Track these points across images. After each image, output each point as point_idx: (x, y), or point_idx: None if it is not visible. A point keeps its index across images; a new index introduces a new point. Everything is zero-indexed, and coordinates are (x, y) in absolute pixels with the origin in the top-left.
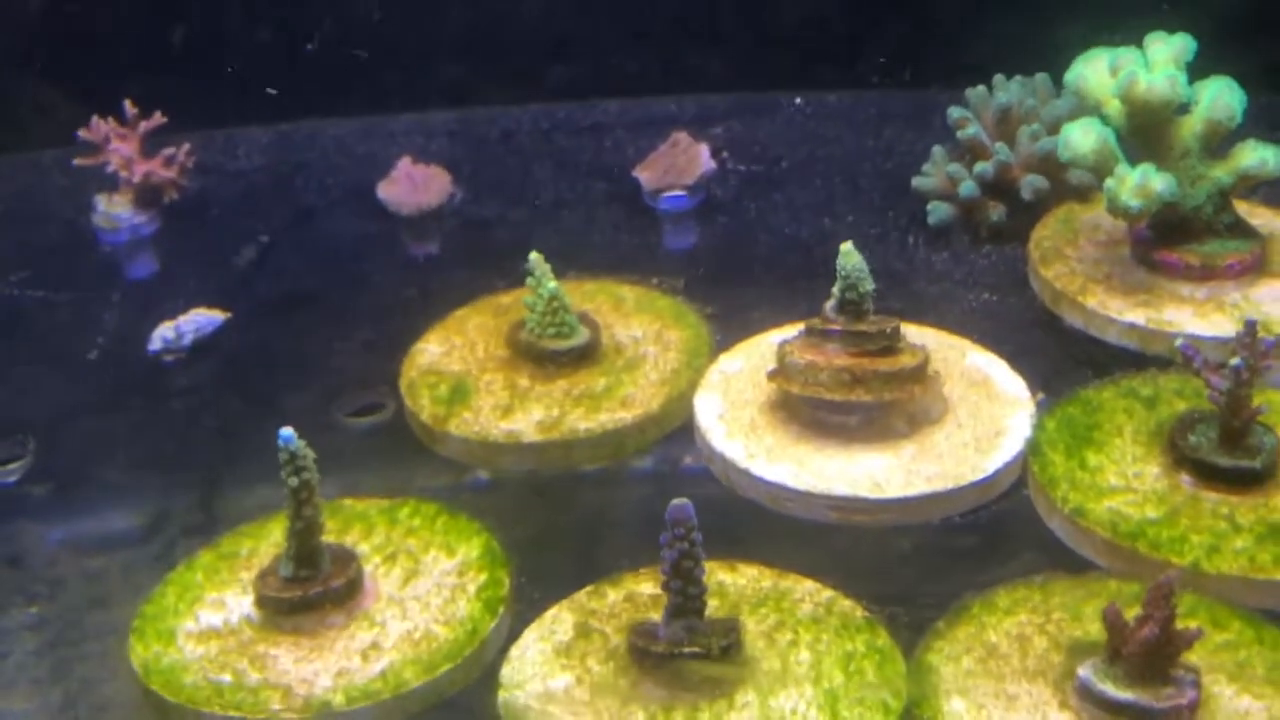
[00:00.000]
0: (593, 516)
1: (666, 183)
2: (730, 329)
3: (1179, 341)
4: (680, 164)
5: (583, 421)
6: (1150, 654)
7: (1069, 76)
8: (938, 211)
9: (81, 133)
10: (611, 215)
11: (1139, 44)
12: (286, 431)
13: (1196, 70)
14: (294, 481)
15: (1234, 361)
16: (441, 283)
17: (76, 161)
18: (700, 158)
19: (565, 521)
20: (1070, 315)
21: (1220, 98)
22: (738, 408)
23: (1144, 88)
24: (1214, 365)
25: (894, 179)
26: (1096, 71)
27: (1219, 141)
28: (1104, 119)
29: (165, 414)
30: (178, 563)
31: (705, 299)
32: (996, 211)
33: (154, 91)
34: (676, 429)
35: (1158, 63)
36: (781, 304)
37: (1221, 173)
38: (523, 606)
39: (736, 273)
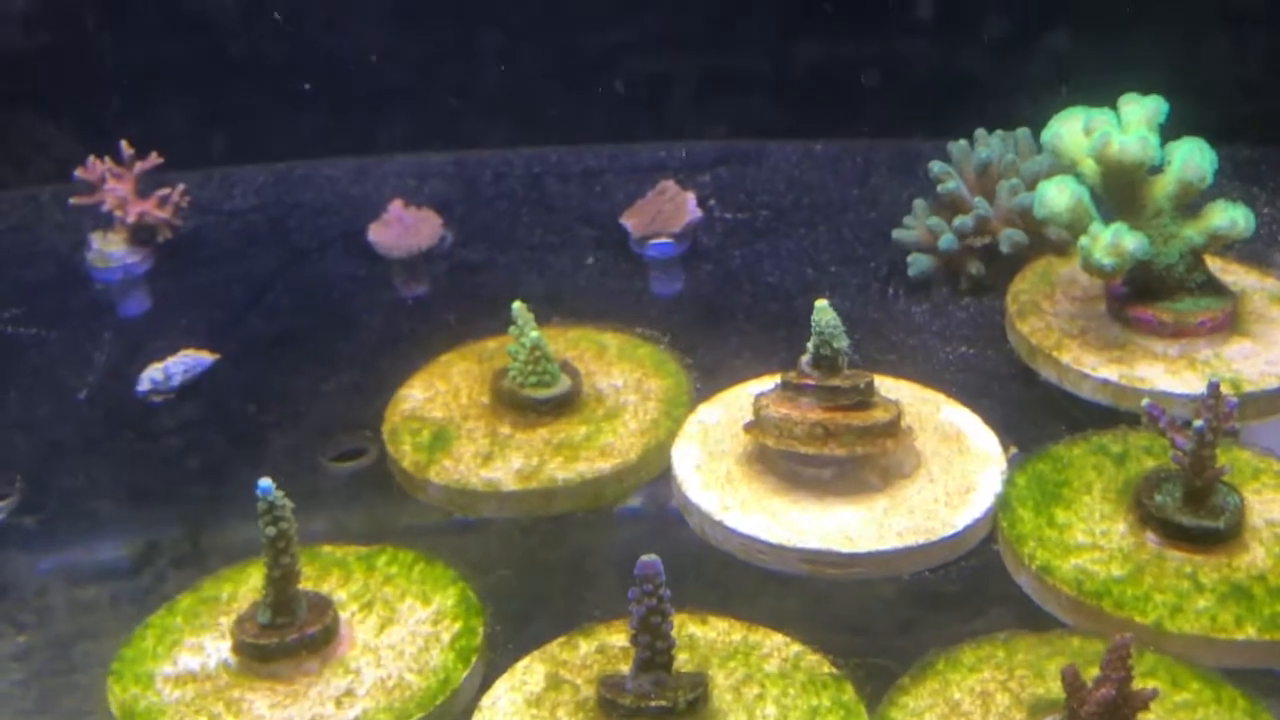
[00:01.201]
0: (570, 563)
1: (653, 230)
2: (711, 377)
3: (1145, 401)
4: (667, 212)
5: (561, 471)
6: (1107, 714)
7: (1045, 135)
8: (918, 264)
9: (78, 172)
10: (599, 261)
11: (1113, 104)
12: (265, 482)
13: (1173, 124)
14: (272, 531)
15: (1197, 423)
16: (429, 325)
17: (72, 201)
18: (687, 206)
19: (542, 568)
20: (1045, 370)
21: (1191, 159)
22: (715, 459)
23: (1117, 149)
24: (1179, 425)
25: (877, 229)
26: (1072, 131)
27: (1191, 201)
28: (1079, 178)
29: (153, 453)
30: (164, 598)
31: (687, 347)
32: (975, 265)
33: (151, 130)
34: (655, 479)
35: (1131, 124)
36: (763, 352)
37: (1193, 232)
38: (496, 655)
39: (719, 321)
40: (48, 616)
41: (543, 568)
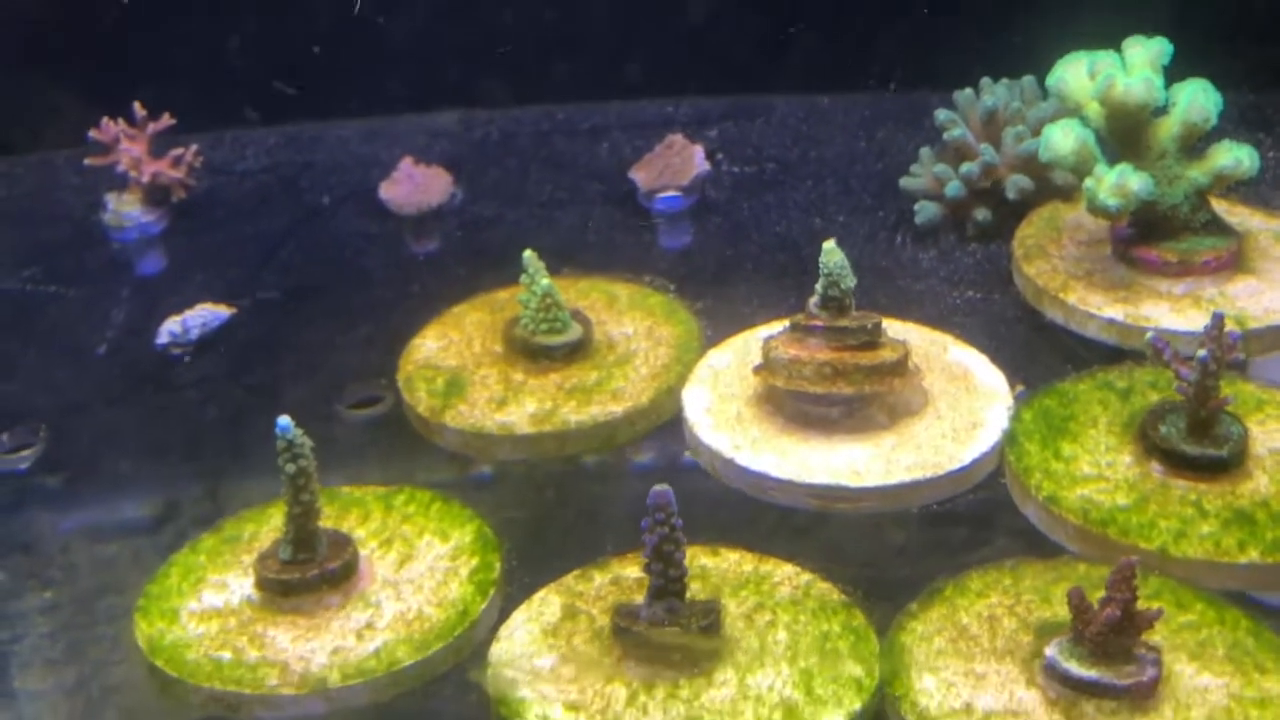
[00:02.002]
0: (584, 503)
1: (661, 184)
2: (721, 325)
3: (1149, 334)
4: (675, 165)
5: (575, 414)
6: (1113, 634)
7: (1050, 79)
8: (925, 211)
9: (92, 133)
10: (607, 215)
11: (1117, 46)
12: (284, 420)
13: (1177, 71)
14: (291, 468)
15: (1200, 353)
16: (440, 280)
17: (87, 161)
18: (695, 159)
19: (556, 511)
20: (1051, 311)
21: (1196, 100)
22: (725, 401)
23: (1121, 90)
24: (1183, 357)
25: (884, 179)
26: (1076, 74)
27: (1195, 142)
28: (1084, 121)
29: (172, 406)
30: (182, 549)
31: (697, 296)
32: (982, 211)
33: (163, 94)
34: (666, 422)
35: (1135, 66)
36: (771, 300)
37: (1198, 172)
38: (513, 589)
39: (728, 271)
40: (72, 572)
41: (557, 507)
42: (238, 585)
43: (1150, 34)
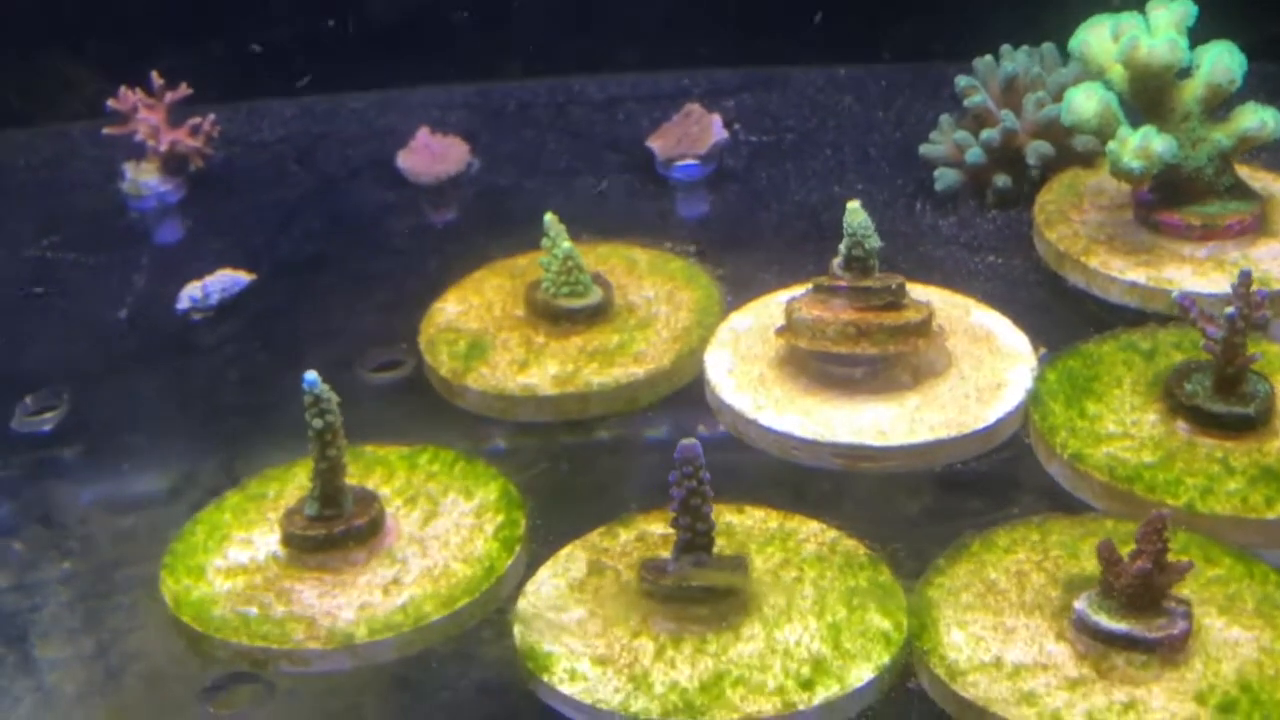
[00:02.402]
0: (607, 467)
1: (679, 152)
2: (740, 290)
3: (1175, 294)
4: (693, 134)
5: (597, 376)
6: (1143, 587)
7: (1073, 43)
8: (945, 178)
9: (110, 102)
10: (625, 184)
11: (1141, 10)
12: (311, 375)
13: (1199, 40)
14: (318, 423)
15: (1228, 310)
16: (459, 247)
17: (105, 131)
18: (713, 128)
19: (580, 470)
20: (1073, 275)
21: (1220, 61)
22: (747, 362)
23: (1145, 52)
24: (1209, 316)
25: (903, 148)
26: (1099, 37)
27: (1219, 105)
28: (1107, 84)
29: (193, 370)
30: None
31: (716, 262)
32: (1002, 178)
33: (180, 66)
34: (687, 384)
35: (1159, 27)
36: (790, 266)
37: (1222, 135)
38: (538, 545)
39: (747, 238)
40: (91, 542)
41: (580, 470)
42: (263, 542)
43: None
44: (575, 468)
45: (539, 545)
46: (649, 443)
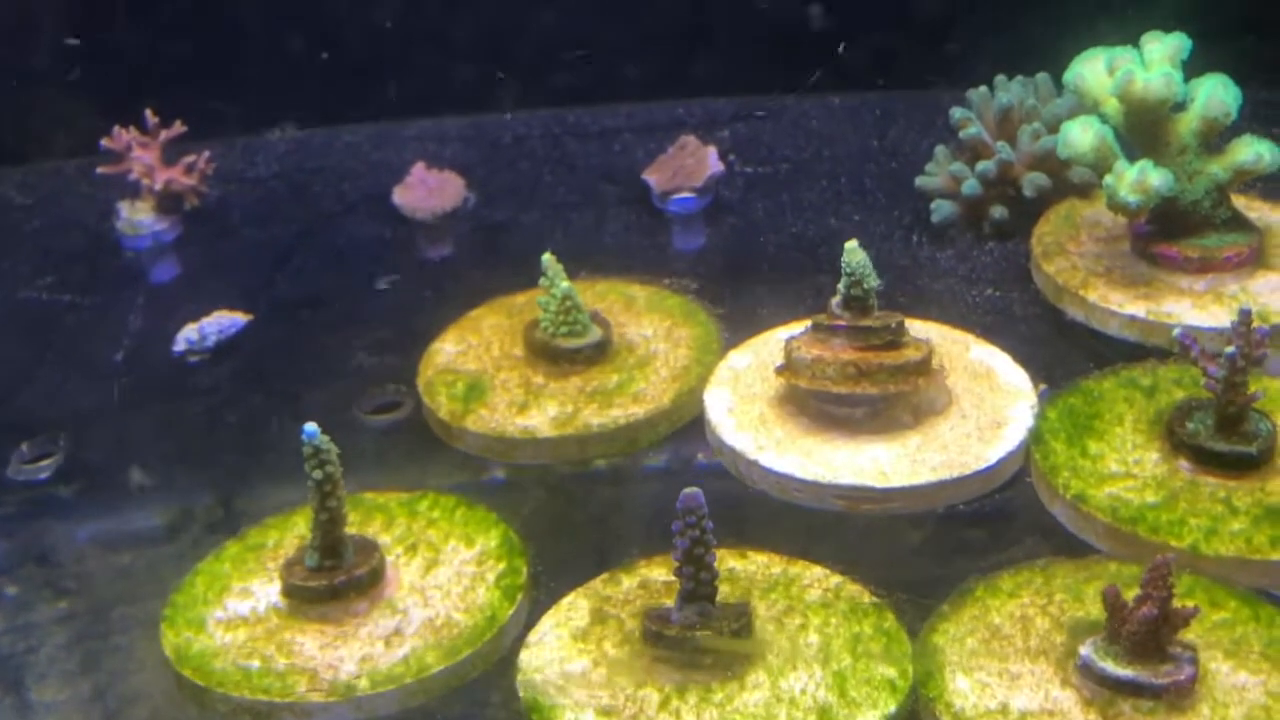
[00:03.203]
0: (607, 510)
1: (675, 185)
2: (739, 326)
3: (1176, 331)
4: (689, 166)
5: (596, 417)
6: (1149, 632)
7: (1068, 76)
8: (941, 210)
9: (104, 141)
10: (622, 217)
11: (1135, 42)
12: (310, 427)
13: (1196, 68)
14: (318, 474)
15: (1229, 349)
16: (457, 285)
17: (99, 170)
18: (708, 160)
19: (580, 515)
20: (1072, 309)
21: (1215, 94)
22: (747, 402)
23: (1140, 86)
24: (1210, 354)
25: (898, 179)
26: (1094, 71)
27: (1215, 137)
28: (1102, 117)
29: (189, 413)
30: (204, 556)
31: (715, 298)
32: (999, 209)
33: (173, 102)
34: (687, 423)
35: (1154, 61)
36: (788, 301)
37: (1218, 168)
38: (540, 593)
39: (745, 272)
40: (87, 582)
41: (581, 511)
42: (264, 593)
43: (1167, 29)
44: (576, 511)
45: (541, 593)
46: (650, 482)
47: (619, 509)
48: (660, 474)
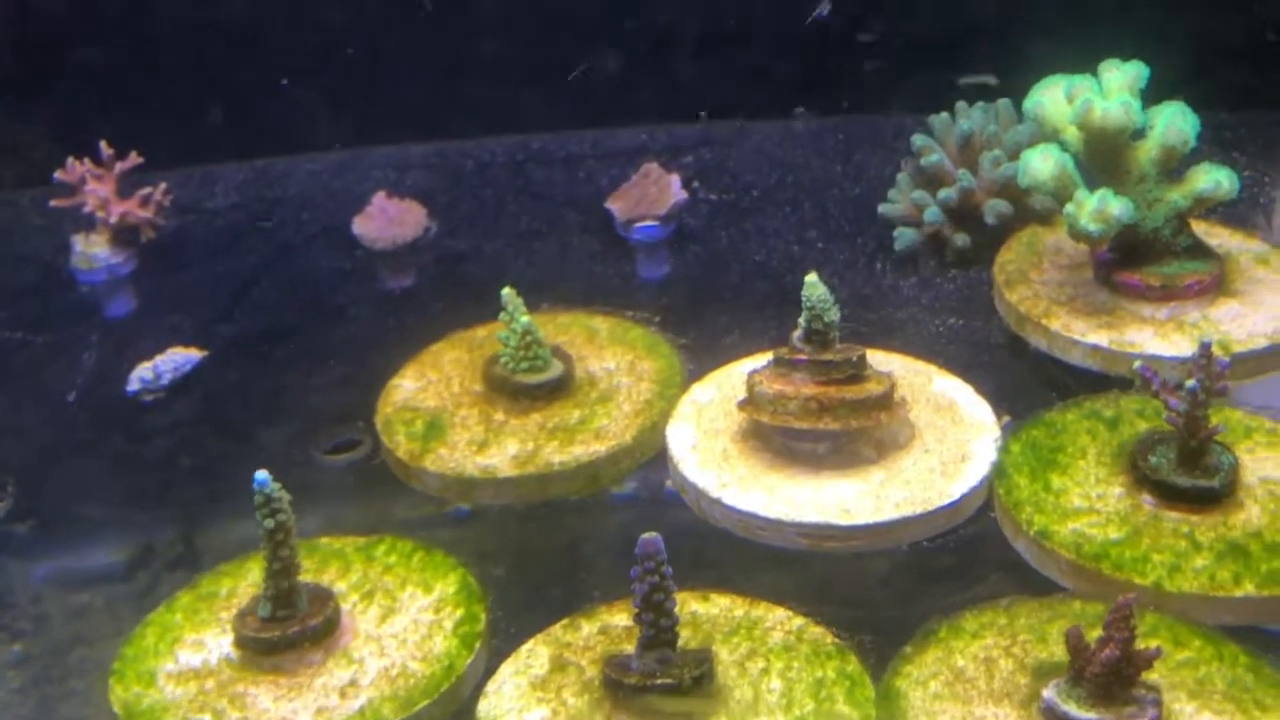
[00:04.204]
0: (569, 547)
1: (639, 213)
2: (702, 357)
3: (1137, 364)
4: (652, 194)
5: (557, 455)
6: (1112, 674)
7: (1027, 104)
8: (904, 237)
9: (58, 174)
10: (585, 246)
11: (1094, 70)
12: (261, 475)
13: (1156, 94)
14: (270, 524)
15: (1189, 383)
16: (417, 316)
17: (53, 203)
18: (671, 188)
19: (542, 553)
20: (1035, 338)
21: (1174, 123)
22: (710, 437)
23: (1099, 115)
24: (1172, 386)
25: (862, 204)
26: (1054, 99)
27: (1174, 165)
28: (1062, 145)
29: (145, 453)
30: (160, 599)
31: (678, 328)
32: (961, 237)
33: (130, 131)
34: (651, 460)
35: (1112, 90)
36: (753, 331)
37: (1178, 195)
38: (499, 641)
39: (708, 301)
40: (44, 623)
41: (542, 552)
42: (216, 644)
43: (1126, 57)
44: (538, 550)
45: (500, 640)
46: (614, 521)
47: (580, 550)
48: (625, 510)
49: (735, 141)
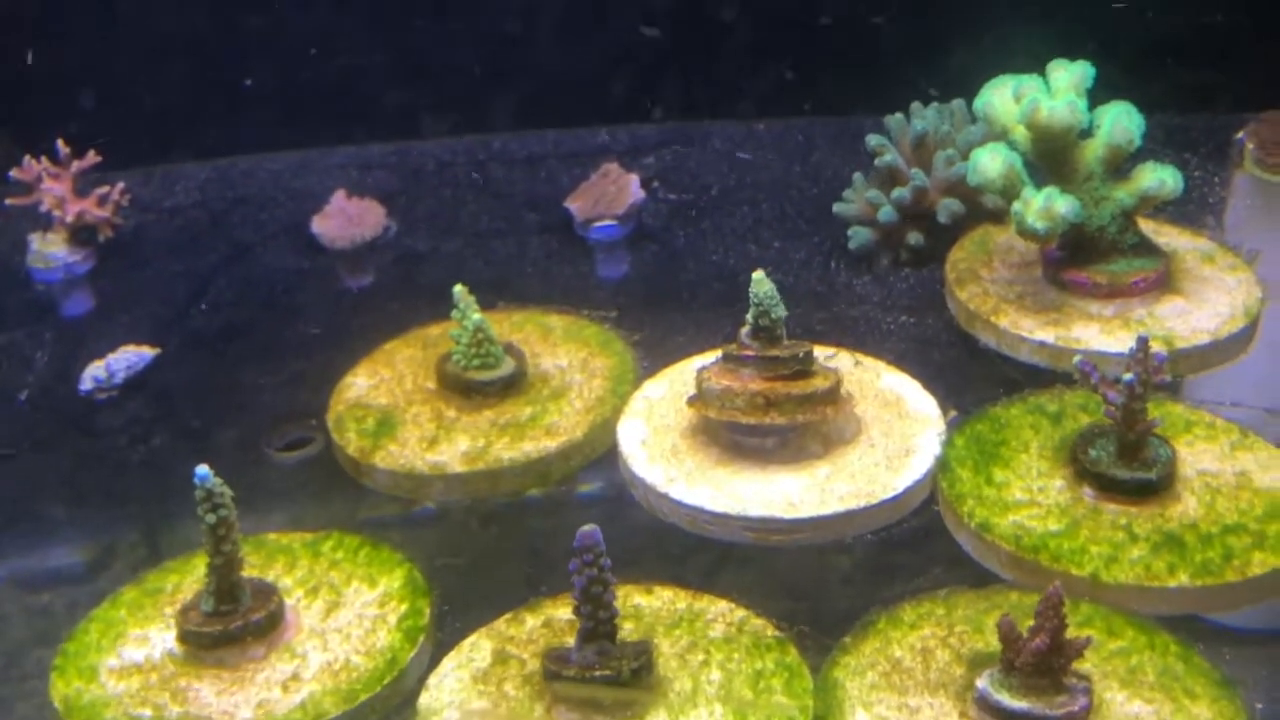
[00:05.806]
0: (518, 543)
1: (597, 213)
2: (656, 355)
3: (1077, 359)
4: (611, 194)
5: (508, 451)
6: (1042, 664)
7: (977, 103)
8: (858, 236)
9: (14, 173)
10: (543, 245)
11: (1042, 71)
12: (202, 470)
13: (1106, 94)
14: (211, 519)
15: (1126, 377)
16: (374, 315)
17: (8, 202)
18: (630, 188)
19: (495, 550)
20: (984, 335)
21: (1120, 122)
22: (660, 433)
23: (1046, 114)
24: (1110, 381)
25: (819, 204)
26: (1002, 98)
27: (1120, 164)
28: (1011, 144)
29: (100, 452)
30: (106, 600)
31: (634, 326)
32: (914, 236)
33: (89, 130)
34: (601, 456)
35: (1059, 89)
36: (707, 329)
37: (1124, 194)
38: (444, 634)
39: (664, 300)
40: (1, 623)
41: (490, 548)
42: (159, 639)
43: (1077, 57)
44: (485, 548)
45: (444, 634)
46: (562, 517)
47: (535, 547)
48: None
49: (697, 142)
